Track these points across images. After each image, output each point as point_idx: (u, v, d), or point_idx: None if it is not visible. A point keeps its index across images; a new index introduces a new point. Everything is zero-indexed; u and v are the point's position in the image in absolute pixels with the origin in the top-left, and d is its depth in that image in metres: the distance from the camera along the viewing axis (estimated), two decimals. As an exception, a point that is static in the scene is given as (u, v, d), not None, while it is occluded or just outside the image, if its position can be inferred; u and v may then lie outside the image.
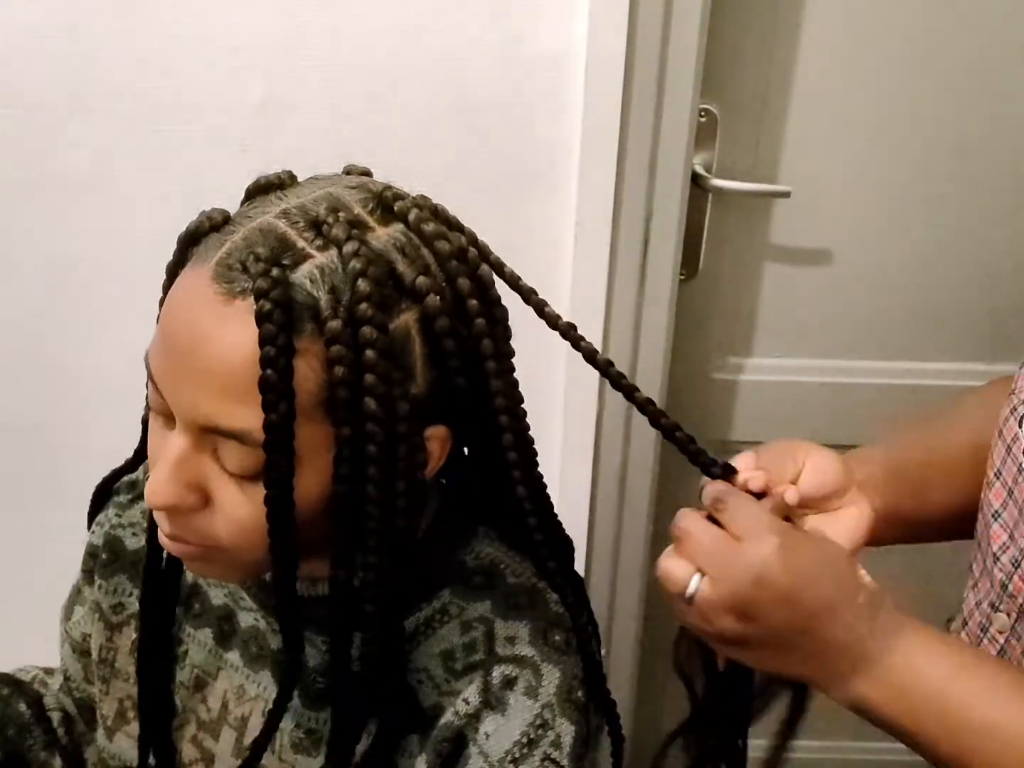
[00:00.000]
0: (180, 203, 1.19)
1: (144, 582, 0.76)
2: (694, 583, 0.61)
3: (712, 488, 0.64)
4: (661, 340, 1.29)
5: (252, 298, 0.57)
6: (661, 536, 1.46)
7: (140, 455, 0.79)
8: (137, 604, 0.79)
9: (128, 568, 0.81)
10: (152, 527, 0.72)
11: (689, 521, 0.63)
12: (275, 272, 0.57)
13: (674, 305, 1.28)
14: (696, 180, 1.26)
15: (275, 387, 0.57)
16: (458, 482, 0.76)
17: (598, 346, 1.25)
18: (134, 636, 0.80)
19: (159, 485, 0.61)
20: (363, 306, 0.58)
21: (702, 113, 1.24)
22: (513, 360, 0.66)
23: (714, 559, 0.61)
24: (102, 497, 0.83)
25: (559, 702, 0.67)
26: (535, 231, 1.22)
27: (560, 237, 1.21)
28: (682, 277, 1.31)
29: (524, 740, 0.66)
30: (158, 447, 0.63)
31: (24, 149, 1.20)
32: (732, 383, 1.41)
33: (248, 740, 0.76)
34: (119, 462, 0.85)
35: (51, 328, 1.30)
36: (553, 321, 0.64)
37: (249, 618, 0.76)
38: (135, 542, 0.81)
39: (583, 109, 1.14)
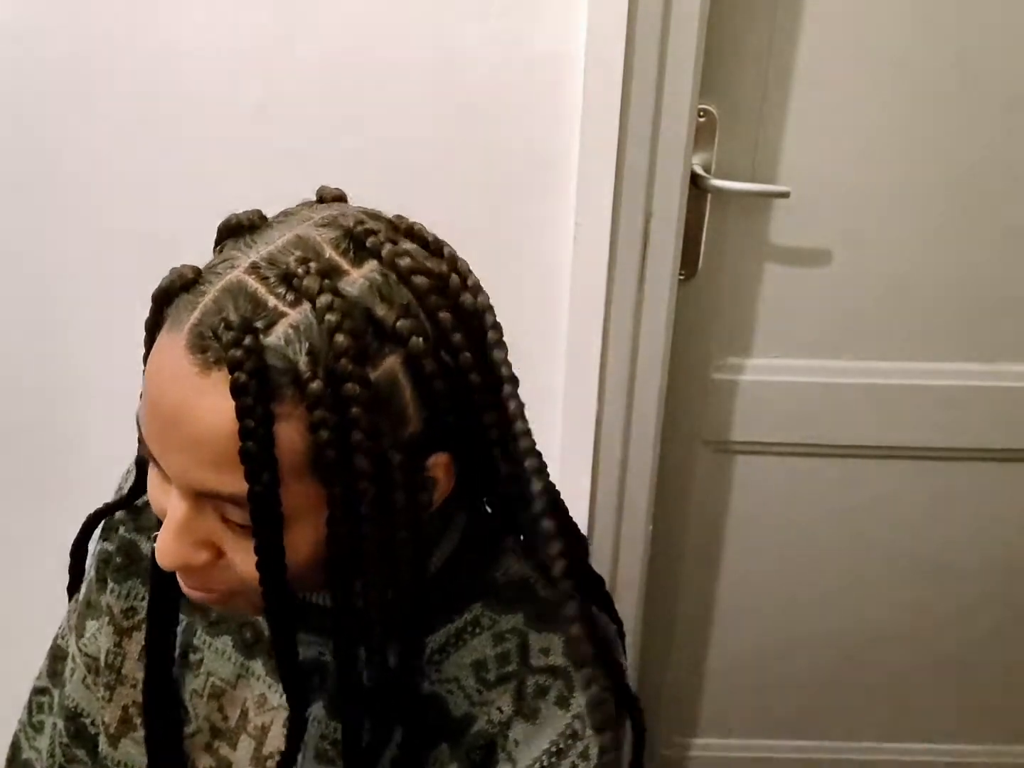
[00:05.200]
0: (180, 206, 1.21)
1: (151, 592, 0.76)
2: None
3: None
4: (661, 340, 1.29)
5: (227, 368, 0.56)
6: (661, 536, 1.47)
7: (134, 494, 0.78)
8: None
9: (143, 573, 0.80)
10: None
11: None
12: (248, 341, 0.55)
13: (674, 305, 1.28)
14: (695, 180, 1.26)
15: (257, 458, 0.56)
16: (480, 502, 0.75)
17: (598, 346, 1.26)
18: (144, 642, 0.79)
19: (168, 548, 0.60)
20: (343, 362, 0.56)
21: (701, 113, 1.24)
22: (516, 380, 0.62)
23: None
24: (91, 529, 0.81)
25: (590, 713, 0.67)
26: (535, 231, 1.21)
27: (560, 237, 1.21)
28: (682, 277, 1.31)
29: (553, 749, 0.67)
30: (157, 501, 0.64)
31: (23, 150, 1.20)
32: (732, 383, 1.41)
33: (267, 749, 0.75)
34: (120, 464, 0.85)
35: (50, 330, 1.30)
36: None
37: None
38: (149, 547, 0.80)
39: (582, 109, 1.14)
